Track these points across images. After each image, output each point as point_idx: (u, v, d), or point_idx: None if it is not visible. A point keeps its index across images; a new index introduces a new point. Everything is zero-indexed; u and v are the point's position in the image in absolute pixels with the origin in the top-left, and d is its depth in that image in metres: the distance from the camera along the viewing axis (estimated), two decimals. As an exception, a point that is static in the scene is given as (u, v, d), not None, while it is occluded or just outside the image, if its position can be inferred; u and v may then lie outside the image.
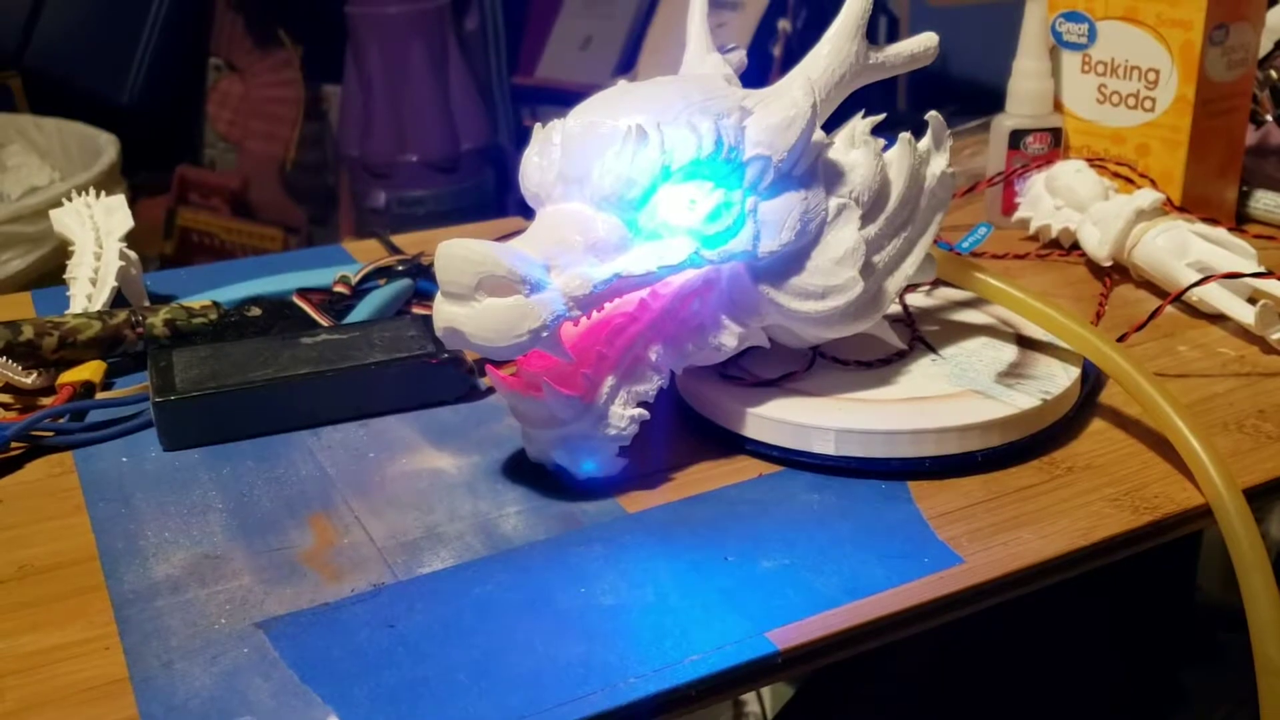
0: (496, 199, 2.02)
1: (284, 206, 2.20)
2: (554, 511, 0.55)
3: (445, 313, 0.52)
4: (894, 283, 0.60)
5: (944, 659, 0.99)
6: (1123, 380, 0.57)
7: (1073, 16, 0.85)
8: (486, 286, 0.51)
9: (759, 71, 2.09)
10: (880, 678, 1.00)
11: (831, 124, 0.60)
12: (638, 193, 0.53)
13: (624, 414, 0.55)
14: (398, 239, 0.91)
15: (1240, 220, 0.88)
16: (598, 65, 2.15)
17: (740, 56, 0.66)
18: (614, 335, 0.55)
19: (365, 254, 0.87)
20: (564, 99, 2.16)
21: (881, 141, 0.59)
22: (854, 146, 0.58)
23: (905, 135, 0.59)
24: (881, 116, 0.59)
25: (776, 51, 2.03)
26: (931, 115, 0.60)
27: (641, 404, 0.56)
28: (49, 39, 2.21)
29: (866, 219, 0.58)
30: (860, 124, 0.59)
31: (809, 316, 0.57)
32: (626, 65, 2.15)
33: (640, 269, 0.53)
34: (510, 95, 2.12)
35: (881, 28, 2.17)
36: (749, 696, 1.25)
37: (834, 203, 0.57)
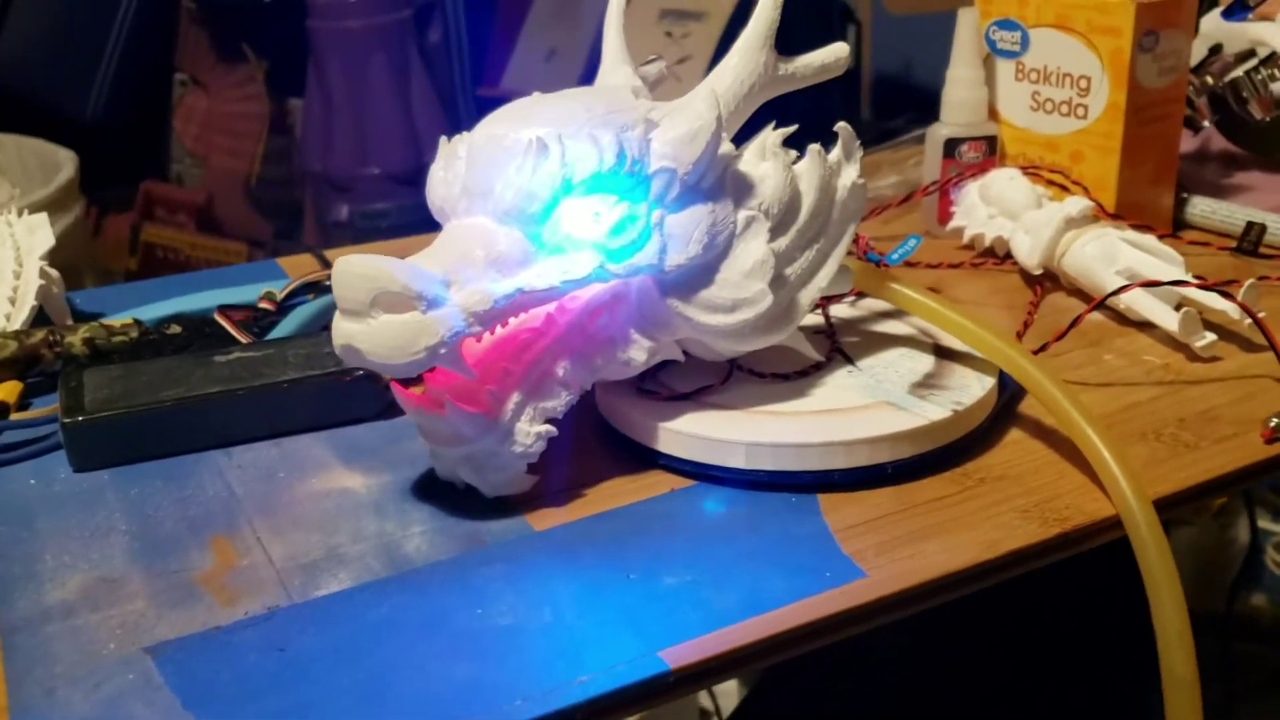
0: (460, 211, 2.01)
1: (250, 221, 2.19)
2: (459, 531, 0.54)
3: (342, 330, 0.51)
4: (807, 295, 0.59)
5: (908, 654, 0.99)
6: (1033, 388, 0.56)
7: (1005, 24, 0.85)
8: (382, 303, 0.50)
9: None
10: (844, 672, 1.00)
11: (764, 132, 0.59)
12: (539, 206, 0.52)
13: (531, 431, 0.54)
14: (371, 247, 0.90)
15: (1178, 226, 0.87)
16: (563, 76, 2.14)
17: (659, 68, 0.66)
18: (520, 350, 0.55)
19: (299, 269, 0.86)
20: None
21: (792, 154, 0.59)
22: (764, 159, 0.58)
23: (814, 147, 0.58)
24: (793, 128, 0.59)
25: (740, 61, 2.03)
26: (840, 126, 0.59)
27: (550, 420, 0.55)
28: (10, 54, 2.19)
29: (776, 231, 0.57)
30: (771, 136, 0.58)
31: (719, 330, 0.56)
32: (591, 76, 2.14)
33: (543, 283, 0.53)
34: (475, 107, 2.11)
35: (850, 36, 2.17)
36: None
37: (742, 215, 0.56)
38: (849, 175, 0.60)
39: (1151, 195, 0.85)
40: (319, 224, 2.01)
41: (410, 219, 1.87)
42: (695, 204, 0.55)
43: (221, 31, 2.18)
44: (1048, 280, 0.78)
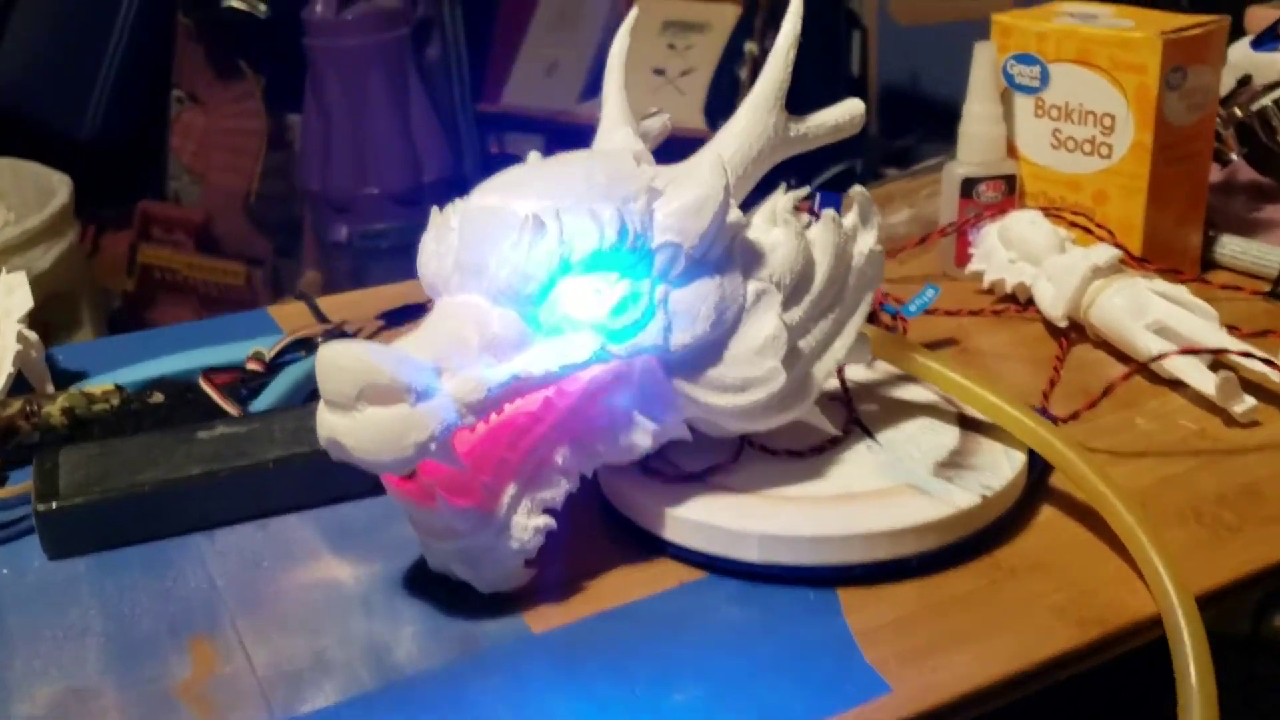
0: (462, 230, 1.98)
1: (249, 239, 2.16)
2: (453, 632, 0.51)
3: (326, 423, 0.48)
4: (822, 368, 0.55)
5: None
6: (1076, 478, 0.53)
7: (1024, 59, 0.81)
8: (368, 396, 0.46)
9: (726, 96, 2.05)
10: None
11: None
12: (535, 287, 0.49)
13: (528, 524, 0.51)
14: (350, 297, 0.87)
15: (1206, 266, 0.84)
16: (564, 91, 2.11)
17: (663, 122, 0.62)
18: (516, 437, 0.51)
19: (290, 319, 0.83)
20: (530, 126, 2.14)
21: (805, 218, 0.55)
22: (774, 225, 0.54)
23: (829, 212, 0.55)
24: (804, 191, 0.56)
25: (744, 74, 1.99)
26: (856, 191, 0.56)
27: (548, 510, 0.52)
28: (5, 73, 2.16)
29: (789, 302, 0.54)
30: (781, 200, 0.55)
31: (729, 411, 0.53)
32: (592, 90, 2.11)
33: (540, 369, 0.49)
34: (475, 123, 2.08)
35: (855, 42, 2.14)
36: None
37: (753, 287, 0.52)
38: (866, 241, 0.56)
39: (1178, 235, 0.81)
40: (318, 243, 1.97)
41: (409, 240, 1.83)
42: (702, 278, 0.51)
43: (218, 48, 2.15)
44: (1073, 331, 0.74)
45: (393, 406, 0.46)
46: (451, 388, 0.48)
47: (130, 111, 2.17)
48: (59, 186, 1.71)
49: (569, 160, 0.53)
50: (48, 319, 1.56)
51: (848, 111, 0.57)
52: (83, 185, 1.75)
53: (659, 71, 2.04)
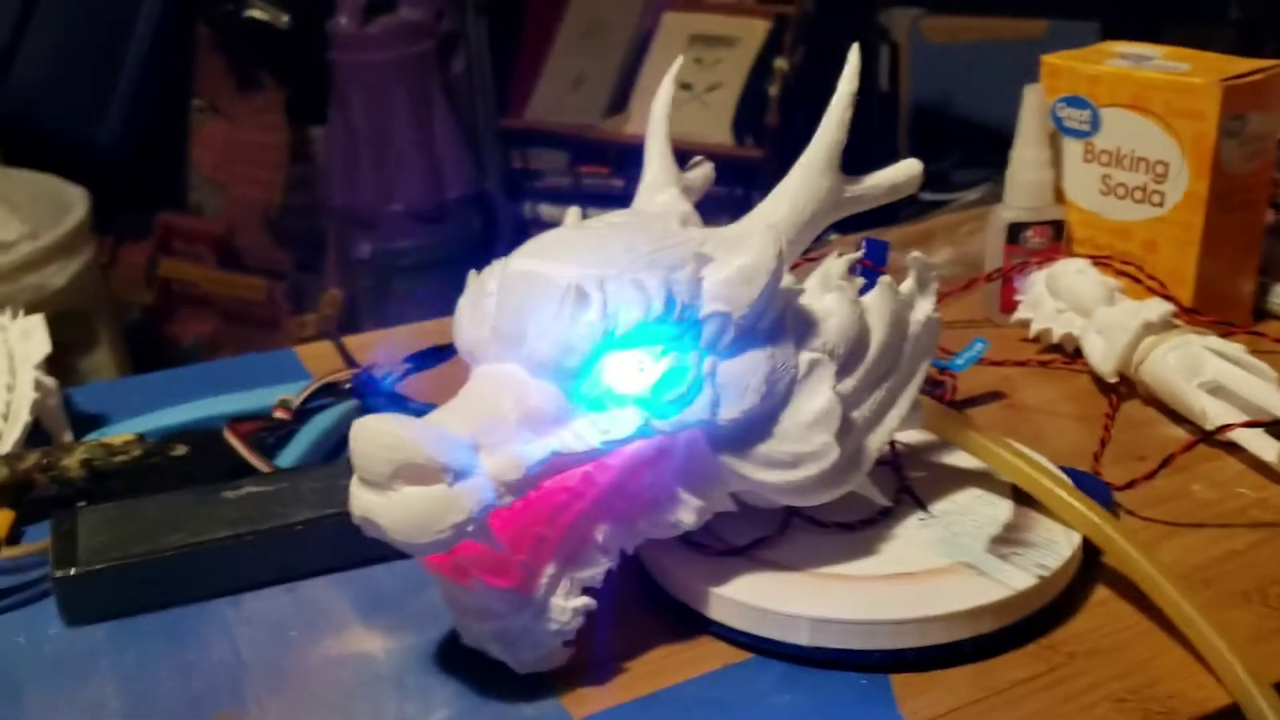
0: (484, 247, 1.96)
1: (270, 252, 2.15)
2: (488, 716, 0.48)
3: (361, 501, 0.46)
4: (875, 440, 0.53)
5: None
6: (1130, 570, 0.50)
7: (1074, 102, 0.78)
8: (405, 475, 0.44)
9: (753, 112, 2.03)
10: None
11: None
12: (577, 361, 0.47)
13: (567, 605, 0.49)
14: (377, 337, 0.85)
15: (1259, 316, 0.81)
16: (589, 106, 2.09)
17: (706, 172, 0.60)
18: (555, 514, 0.49)
19: (317, 360, 0.81)
20: (555, 141, 2.12)
21: (859, 282, 0.53)
22: (828, 291, 0.52)
23: (886, 279, 0.52)
24: (858, 254, 0.53)
25: (773, 90, 1.97)
26: (914, 258, 0.53)
27: (587, 590, 0.49)
28: (25, 82, 2.15)
29: (843, 372, 0.51)
30: (836, 265, 0.52)
31: (779, 487, 0.50)
32: (618, 105, 2.09)
33: (581, 445, 0.47)
34: (500, 139, 2.06)
35: (883, 57, 2.11)
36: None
37: (805, 358, 0.50)
38: (923, 309, 0.54)
39: (1231, 286, 0.79)
40: (341, 260, 1.96)
41: (432, 258, 1.82)
42: (752, 348, 0.49)
43: (239, 58, 2.14)
44: (1123, 386, 0.72)
45: (430, 486, 0.44)
46: (490, 466, 0.46)
47: (149, 121, 2.16)
48: (76, 201, 1.70)
49: (612, 224, 0.51)
50: (63, 338, 1.54)
51: (905, 172, 0.54)
52: (101, 195, 1.74)
53: (685, 86, 2.02)
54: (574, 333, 0.46)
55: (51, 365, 0.70)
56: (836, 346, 0.51)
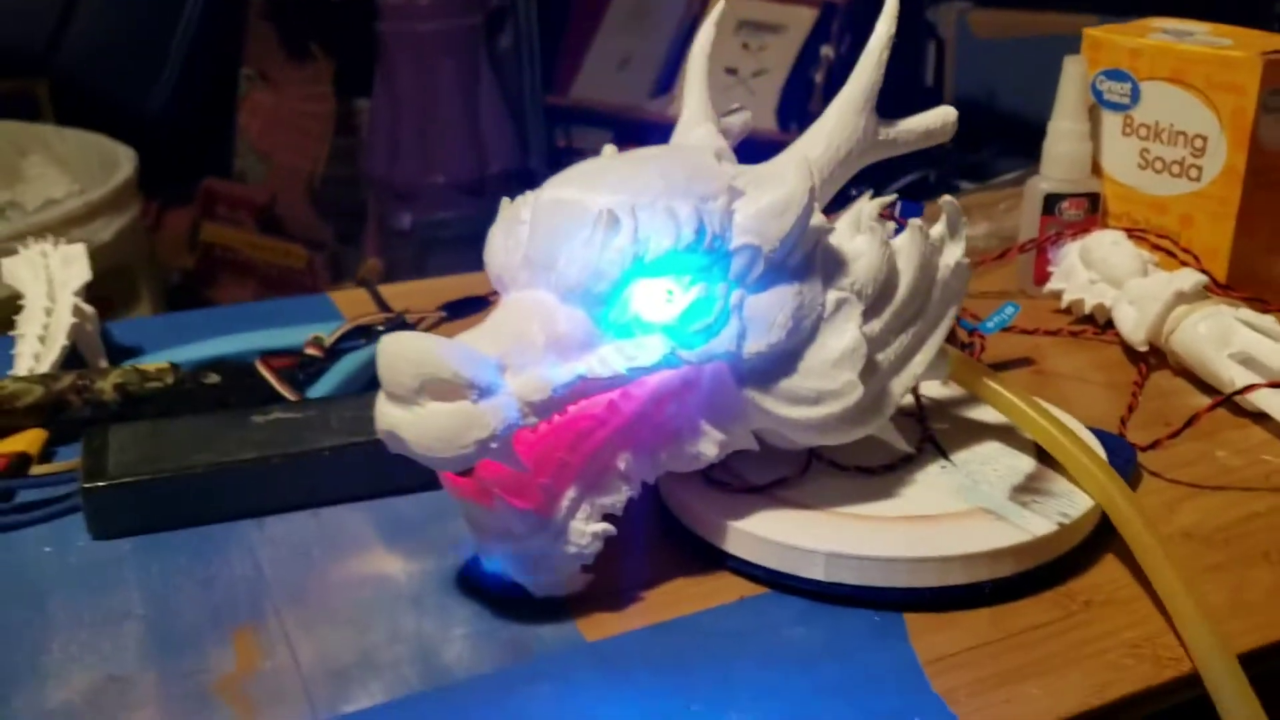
0: (523, 223, 1.96)
1: (312, 222, 2.16)
2: (504, 636, 0.49)
3: (386, 415, 0.46)
4: (899, 384, 0.53)
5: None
6: (1131, 542, 0.50)
7: (1115, 75, 0.78)
8: (430, 390, 0.45)
9: (799, 99, 2.03)
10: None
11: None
12: (606, 286, 0.47)
13: (586, 530, 0.49)
14: (412, 286, 0.86)
15: (1294, 296, 0.81)
16: (635, 85, 2.09)
17: (744, 119, 0.60)
18: (579, 440, 0.49)
19: (352, 306, 0.82)
20: (600, 120, 2.12)
21: (890, 226, 0.53)
22: (859, 232, 0.52)
23: (916, 222, 0.52)
24: (892, 198, 0.53)
25: (818, 78, 1.97)
26: (945, 200, 0.54)
27: (607, 517, 0.50)
28: (78, 46, 2.18)
29: (870, 313, 0.52)
30: (867, 206, 0.53)
31: (801, 423, 0.51)
32: (665, 86, 2.09)
33: (607, 371, 0.47)
34: (544, 116, 2.06)
35: (930, 53, 2.10)
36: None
37: (833, 296, 0.50)
38: (953, 254, 0.54)
39: (1266, 263, 0.78)
40: (381, 230, 1.97)
41: (472, 230, 1.82)
42: (780, 284, 0.49)
43: (289, 28, 2.15)
44: (1153, 357, 0.72)
45: (454, 402, 0.45)
46: (515, 386, 0.46)
47: (199, 87, 2.18)
48: (124, 160, 1.72)
49: (647, 155, 0.52)
50: (106, 294, 1.56)
51: (940, 117, 0.55)
52: (149, 160, 1.75)
53: (731, 71, 2.02)
54: (604, 258, 0.47)
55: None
56: (865, 287, 0.51)
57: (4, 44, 2.13)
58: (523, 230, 0.50)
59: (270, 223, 2.13)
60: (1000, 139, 1.70)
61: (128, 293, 1.69)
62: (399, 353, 0.45)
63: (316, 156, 2.15)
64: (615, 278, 0.47)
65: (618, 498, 0.50)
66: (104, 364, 0.70)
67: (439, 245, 1.85)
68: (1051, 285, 0.79)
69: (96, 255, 1.50)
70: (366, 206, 2.08)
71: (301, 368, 0.70)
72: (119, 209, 1.63)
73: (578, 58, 2.11)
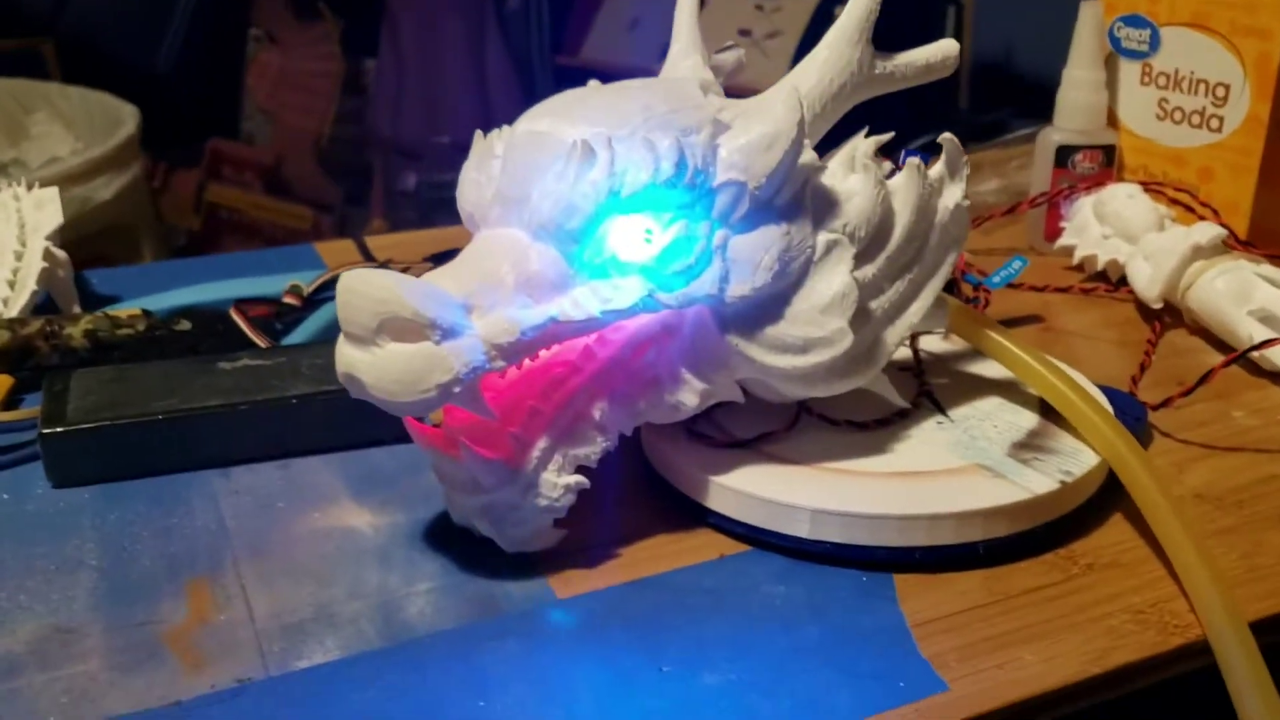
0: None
1: (319, 183, 2.14)
2: (471, 591, 0.46)
3: (345, 356, 0.44)
4: (894, 333, 0.50)
5: None
6: (1140, 499, 0.47)
7: (1133, 21, 0.75)
8: (390, 330, 0.42)
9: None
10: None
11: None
12: (580, 222, 0.44)
13: (558, 482, 0.46)
14: (400, 237, 0.83)
15: (1317, 256, 0.77)
16: (646, 47, 2.05)
17: (737, 55, 0.57)
18: (551, 387, 0.47)
19: (336, 255, 0.79)
20: (609, 81, 2.08)
21: (886, 165, 0.50)
22: (852, 171, 0.49)
23: (913, 160, 0.49)
24: (888, 136, 0.50)
25: (832, 40, 1.92)
26: (945, 138, 0.51)
27: (581, 469, 0.47)
28: (84, 5, 2.15)
29: (863, 258, 0.49)
30: (862, 145, 0.50)
31: (788, 373, 0.48)
32: (676, 49, 2.05)
33: (581, 313, 0.45)
34: (553, 77, 2.03)
35: (950, 17, 2.06)
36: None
37: (823, 238, 0.48)
38: (952, 196, 0.51)
39: (1290, 220, 0.75)
40: (387, 192, 1.94)
41: (479, 192, 1.80)
42: (767, 224, 0.46)
43: (298, -13, 2.12)
44: (1167, 315, 0.69)
45: (416, 344, 0.42)
46: (481, 328, 0.43)
47: (206, 48, 2.15)
48: (128, 118, 1.69)
49: (629, 86, 0.49)
50: (108, 252, 1.54)
51: (940, 51, 0.51)
52: (155, 121, 1.73)
53: (745, 32, 1.98)
54: (577, 192, 0.44)
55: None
56: (857, 229, 0.48)
57: (11, 2, 2.11)
58: (495, 165, 0.47)
59: (276, 184, 2.10)
60: (1017, 101, 1.66)
61: (130, 252, 1.67)
62: (357, 290, 0.42)
63: (324, 117, 2.12)
64: (589, 213, 0.44)
65: (592, 449, 0.47)
66: (77, 311, 0.68)
67: (444, 206, 1.81)
68: (1063, 241, 0.76)
69: (97, 213, 1.48)
70: (373, 169, 2.05)
71: (279, 316, 0.68)
72: (121, 167, 1.61)
73: (588, 18, 2.08)
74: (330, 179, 2.12)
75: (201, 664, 0.43)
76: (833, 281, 0.47)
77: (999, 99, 1.76)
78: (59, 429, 0.53)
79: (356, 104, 2.11)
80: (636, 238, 0.45)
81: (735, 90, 0.53)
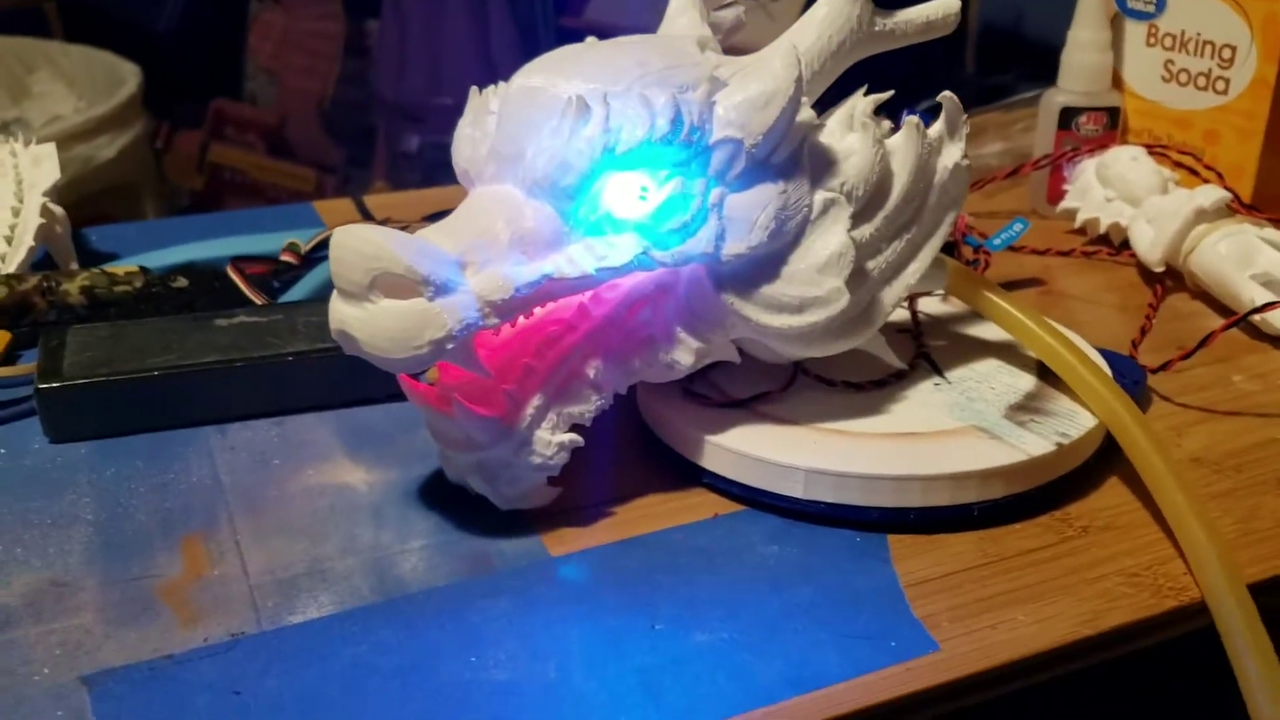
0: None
1: (322, 145, 2.13)
2: (464, 549, 0.46)
3: (338, 312, 0.44)
4: (891, 294, 0.50)
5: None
6: (1137, 461, 0.47)
7: (1140, -20, 0.74)
8: (383, 285, 0.42)
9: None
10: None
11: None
12: (574, 178, 0.44)
13: (552, 440, 0.46)
14: (399, 197, 0.83)
15: (1321, 221, 0.77)
16: (650, 8, 2.04)
17: (737, 14, 0.57)
18: (545, 345, 0.47)
19: (335, 215, 0.79)
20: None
21: (886, 125, 0.50)
22: (850, 130, 0.49)
23: (912, 119, 0.49)
24: (887, 95, 0.50)
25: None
26: (945, 97, 0.50)
27: (575, 427, 0.47)
28: (86, -39, 2.14)
29: (860, 217, 0.48)
30: (861, 103, 0.49)
31: (783, 332, 0.48)
32: (681, 11, 2.03)
33: (575, 271, 0.45)
34: (556, 38, 2.02)
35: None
36: None
37: (820, 197, 0.47)
38: (951, 155, 0.51)
39: (1295, 184, 0.74)
40: (390, 154, 1.94)
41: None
42: (763, 182, 0.46)
43: (301, -54, 2.11)
44: (1169, 278, 0.68)
45: (409, 300, 0.42)
46: (475, 284, 0.43)
47: (208, 6, 2.13)
48: (129, 77, 1.68)
49: (625, 43, 0.48)
50: (110, 211, 1.53)
51: (941, 8, 0.51)
52: (158, 80, 1.72)
53: (749, -6, 1.97)
54: (572, 148, 0.43)
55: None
56: (855, 188, 0.48)
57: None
58: (491, 121, 0.47)
59: (279, 145, 2.10)
60: (1023, 64, 1.65)
61: (133, 212, 1.66)
62: (350, 245, 0.42)
63: (327, 78, 2.11)
64: (584, 169, 0.44)
65: (586, 407, 0.47)
66: (75, 268, 0.68)
67: (447, 168, 1.80)
68: (1065, 204, 0.75)
69: (99, 172, 1.47)
70: (376, 130, 2.04)
71: (276, 275, 0.67)
72: (123, 126, 1.60)
73: (594, -21, 2.06)
74: (333, 140, 2.11)
75: (195, 618, 0.43)
76: (829, 241, 0.47)
77: (1005, 62, 1.75)
78: (55, 384, 0.53)
79: (359, 65, 2.10)
80: (632, 195, 0.45)
81: (738, 51, 0.53)
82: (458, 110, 0.49)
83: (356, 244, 0.42)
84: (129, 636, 0.42)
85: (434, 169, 1.84)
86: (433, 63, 1.84)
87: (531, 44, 1.93)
